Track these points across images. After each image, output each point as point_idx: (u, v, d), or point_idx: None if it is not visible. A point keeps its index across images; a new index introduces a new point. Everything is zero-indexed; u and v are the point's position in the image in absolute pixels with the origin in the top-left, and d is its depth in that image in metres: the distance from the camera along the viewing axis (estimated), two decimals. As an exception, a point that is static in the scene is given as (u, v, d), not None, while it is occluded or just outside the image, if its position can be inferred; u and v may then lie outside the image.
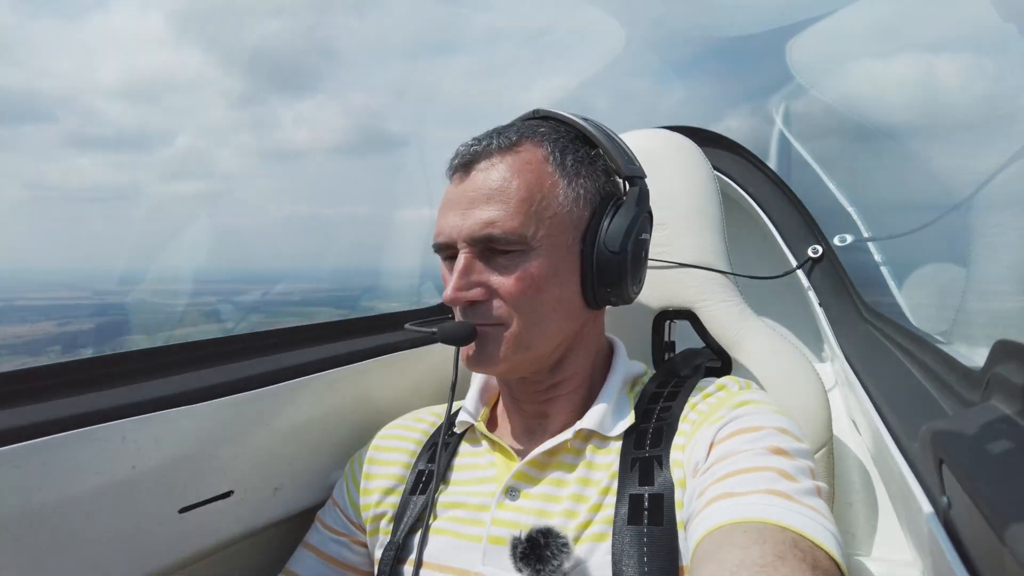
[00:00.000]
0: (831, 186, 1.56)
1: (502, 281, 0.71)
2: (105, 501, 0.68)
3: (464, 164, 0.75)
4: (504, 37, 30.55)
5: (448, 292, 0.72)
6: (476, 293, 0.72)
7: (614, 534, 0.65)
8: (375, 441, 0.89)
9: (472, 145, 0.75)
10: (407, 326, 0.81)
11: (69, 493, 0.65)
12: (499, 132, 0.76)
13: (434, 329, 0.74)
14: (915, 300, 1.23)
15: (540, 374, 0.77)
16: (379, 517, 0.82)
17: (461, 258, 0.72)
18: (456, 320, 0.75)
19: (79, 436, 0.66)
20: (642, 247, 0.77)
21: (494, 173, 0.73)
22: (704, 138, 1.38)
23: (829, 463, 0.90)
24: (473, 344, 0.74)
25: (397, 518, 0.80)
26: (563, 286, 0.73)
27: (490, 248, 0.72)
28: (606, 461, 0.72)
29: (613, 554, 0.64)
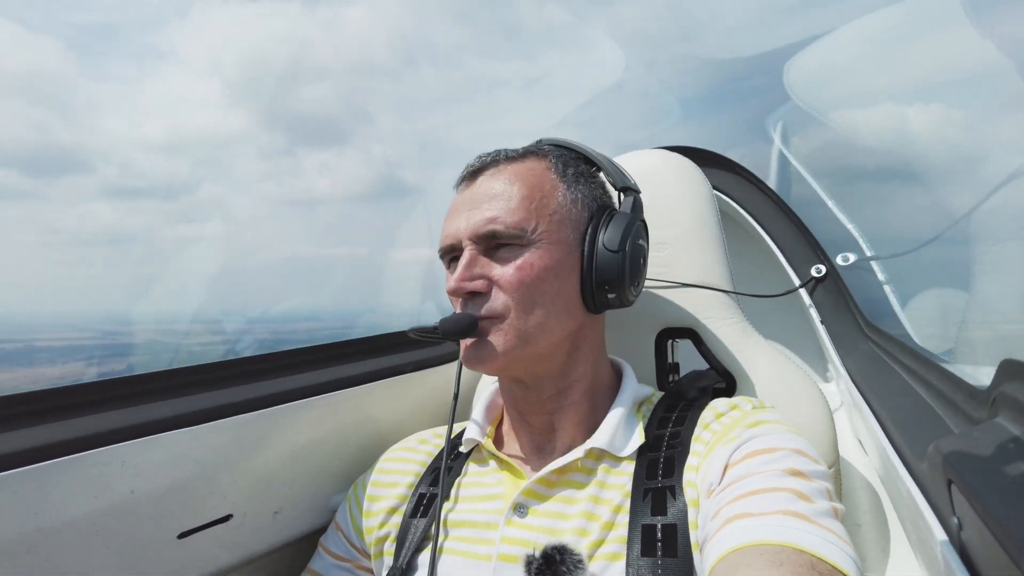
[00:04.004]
0: (830, 204, 1.56)
1: (502, 272, 0.73)
2: (103, 526, 0.68)
3: (471, 173, 0.79)
4: (502, 85, 30.17)
5: (451, 283, 0.74)
6: (478, 284, 0.73)
7: (628, 566, 0.64)
8: (378, 464, 0.88)
9: (480, 157, 0.80)
10: (410, 332, 0.80)
11: (66, 518, 0.65)
12: (507, 149, 0.80)
13: (436, 324, 0.74)
14: (919, 319, 1.23)
15: (544, 379, 0.77)
16: (383, 539, 0.81)
17: (466, 253, 0.74)
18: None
19: (78, 461, 0.65)
20: (639, 252, 0.78)
21: (499, 177, 0.76)
22: (702, 158, 1.39)
23: (837, 484, 0.88)
24: (472, 340, 0.74)
25: (399, 540, 0.79)
26: (562, 280, 0.74)
27: (493, 244, 0.74)
28: (619, 482, 0.71)
29: None
